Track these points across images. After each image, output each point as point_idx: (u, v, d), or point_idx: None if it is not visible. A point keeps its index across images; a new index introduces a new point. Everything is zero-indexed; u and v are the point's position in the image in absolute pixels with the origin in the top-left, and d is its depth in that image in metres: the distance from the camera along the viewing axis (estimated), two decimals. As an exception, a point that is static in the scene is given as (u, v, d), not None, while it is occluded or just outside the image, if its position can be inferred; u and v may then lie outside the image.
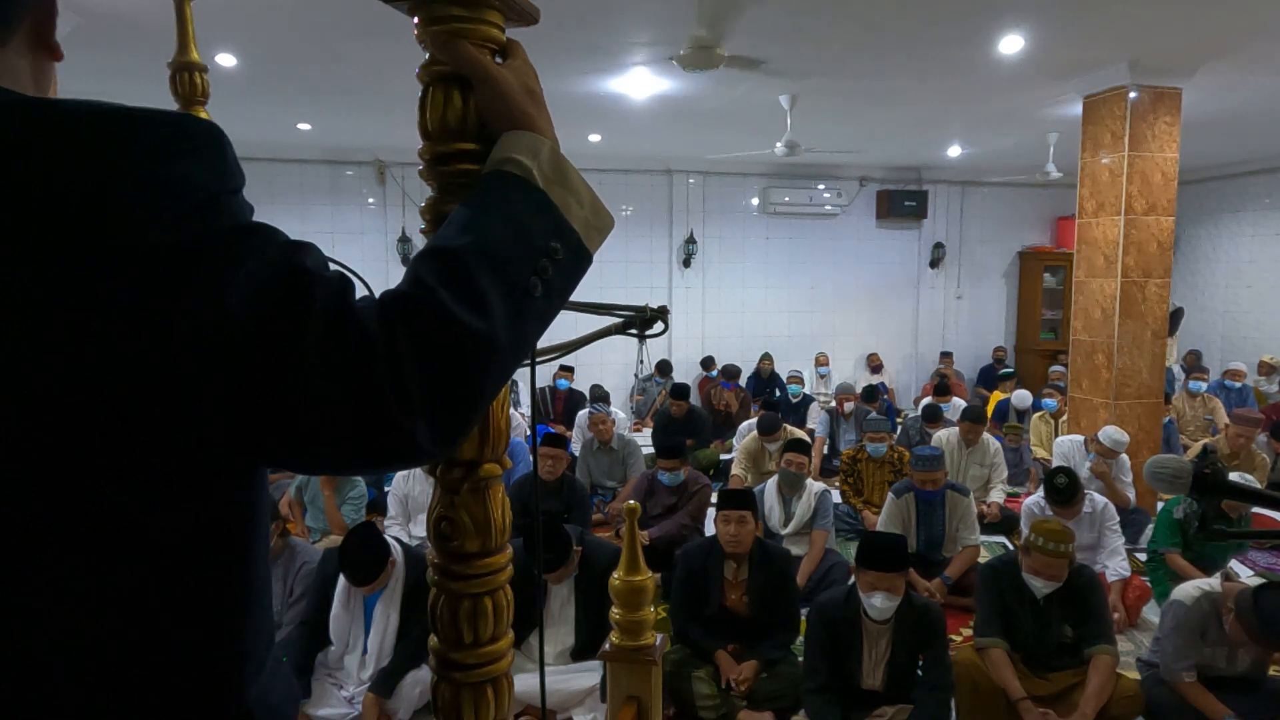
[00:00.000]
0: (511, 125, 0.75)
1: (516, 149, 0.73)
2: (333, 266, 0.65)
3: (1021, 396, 7.69)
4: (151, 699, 0.63)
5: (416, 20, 0.78)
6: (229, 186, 0.61)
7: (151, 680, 0.63)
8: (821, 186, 9.91)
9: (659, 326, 1.03)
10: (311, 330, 0.58)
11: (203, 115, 1.23)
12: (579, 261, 0.74)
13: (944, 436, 5.93)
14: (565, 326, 0.99)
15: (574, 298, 1.02)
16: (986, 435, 5.90)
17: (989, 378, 9.82)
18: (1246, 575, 4.41)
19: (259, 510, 0.70)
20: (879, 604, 3.02)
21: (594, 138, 7.78)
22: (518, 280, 0.67)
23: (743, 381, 8.81)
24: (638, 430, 8.20)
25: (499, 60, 0.79)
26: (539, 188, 0.72)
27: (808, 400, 8.16)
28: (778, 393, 8.57)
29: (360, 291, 0.67)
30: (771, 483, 4.97)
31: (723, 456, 7.00)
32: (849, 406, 7.27)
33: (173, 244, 0.56)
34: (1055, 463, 5.46)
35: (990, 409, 7.79)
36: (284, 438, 0.60)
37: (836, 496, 5.43)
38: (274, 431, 0.59)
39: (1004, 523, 5.44)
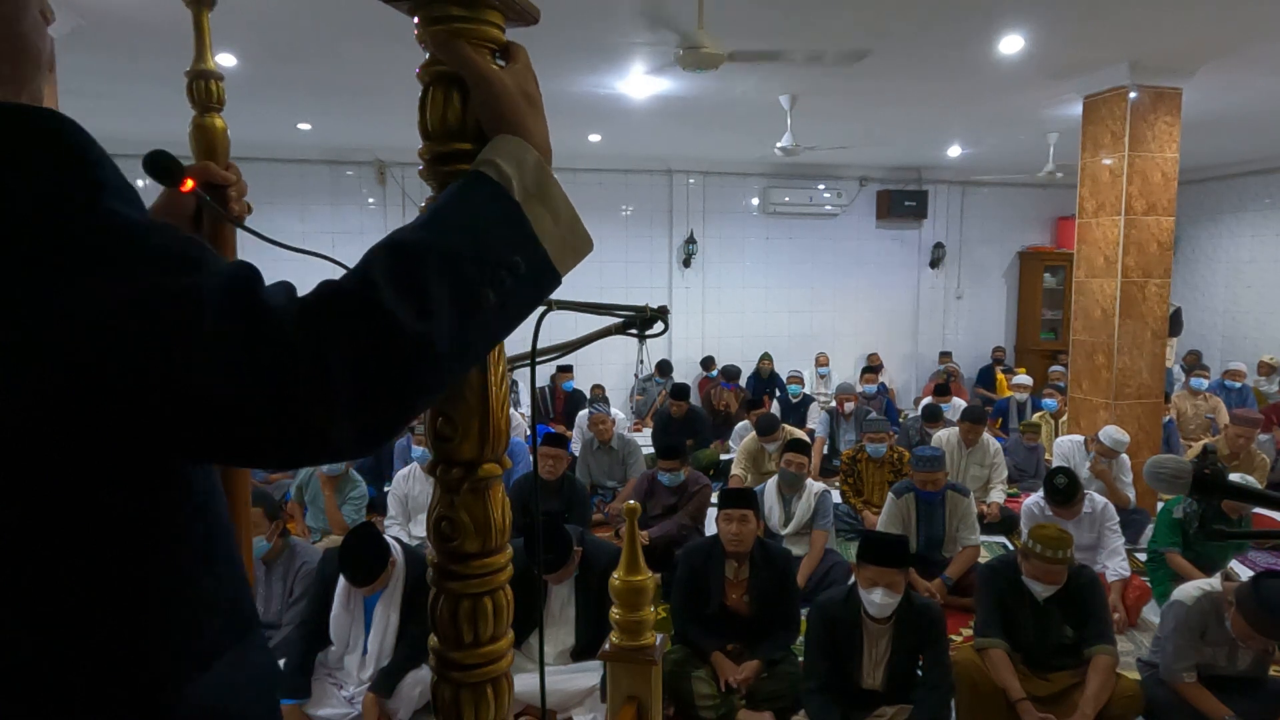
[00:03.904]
0: (503, 129, 0.74)
1: (501, 153, 0.72)
2: (237, 259, 0.63)
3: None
4: (64, 698, 0.62)
5: (416, 20, 0.78)
6: (96, 181, 0.60)
7: (65, 679, 0.62)
8: (821, 186, 9.91)
9: (659, 326, 1.03)
10: (204, 327, 0.56)
11: (218, 122, 1.24)
12: (542, 279, 0.72)
13: (944, 436, 5.93)
14: (565, 326, 0.99)
15: (574, 298, 1.02)
16: (986, 435, 5.90)
17: (989, 378, 9.83)
18: (1246, 575, 4.41)
19: (194, 504, 0.69)
20: (878, 600, 3.02)
21: (594, 138, 7.77)
22: (470, 288, 0.65)
23: (743, 381, 8.82)
24: (638, 430, 8.20)
25: (501, 63, 0.79)
26: (513, 197, 0.70)
27: (808, 400, 8.16)
28: (778, 392, 8.58)
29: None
30: (771, 483, 4.97)
31: (723, 456, 7.00)
32: (849, 406, 7.28)
33: (51, 246, 0.56)
34: (1055, 463, 5.46)
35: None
36: (185, 436, 0.58)
37: (836, 496, 5.43)
38: (172, 428, 0.58)
39: (1004, 523, 5.44)
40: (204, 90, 1.23)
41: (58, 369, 0.55)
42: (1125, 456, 5.24)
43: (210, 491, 0.73)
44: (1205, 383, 7.61)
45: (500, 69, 0.77)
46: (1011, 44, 4.73)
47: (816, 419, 7.52)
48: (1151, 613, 4.20)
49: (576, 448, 6.57)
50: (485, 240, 0.67)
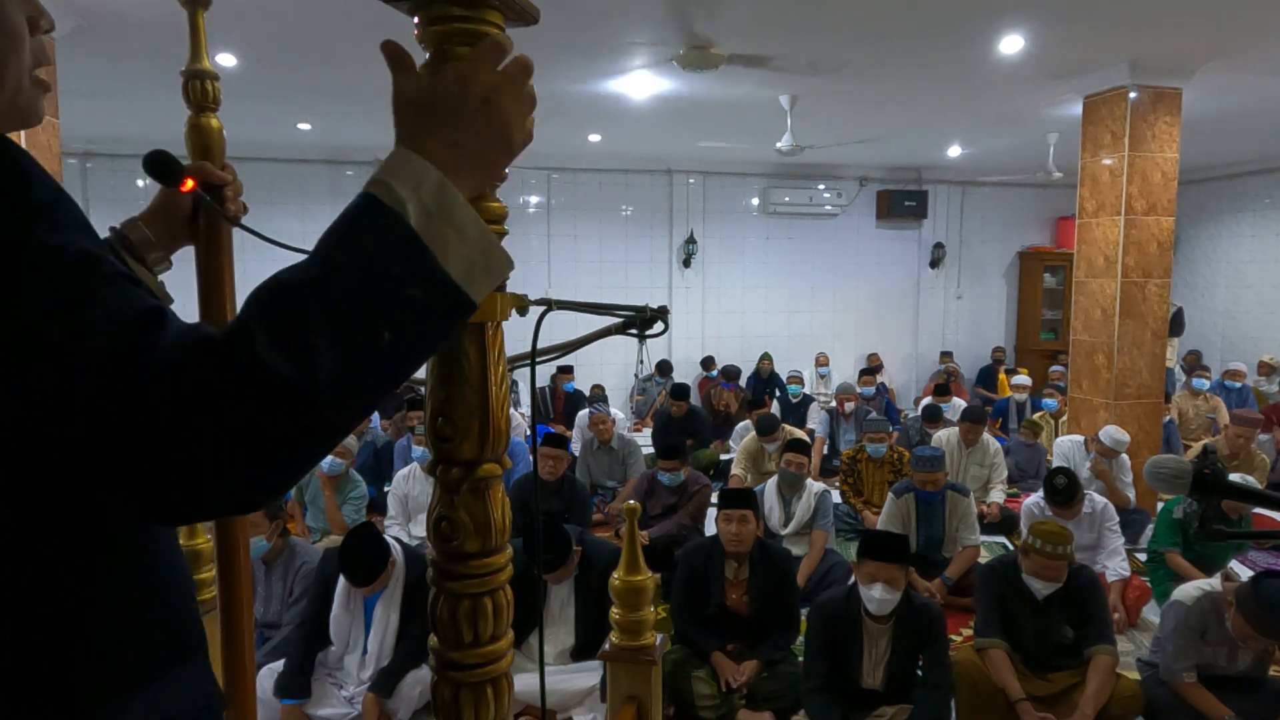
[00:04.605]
0: (400, 142, 0.69)
1: (394, 172, 0.65)
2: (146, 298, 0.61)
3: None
4: None
5: (416, 20, 0.78)
6: (26, 204, 0.58)
7: None
8: (821, 186, 9.91)
9: (659, 326, 1.03)
10: (78, 375, 0.55)
11: (214, 122, 1.25)
12: (450, 307, 0.66)
13: (944, 436, 5.93)
14: (565, 326, 0.99)
15: (574, 298, 1.02)
16: (986, 435, 5.90)
17: (989, 378, 9.83)
18: (1246, 575, 4.41)
19: (127, 524, 0.68)
20: (877, 595, 3.00)
21: (594, 138, 7.78)
22: (358, 327, 0.60)
23: (743, 381, 8.82)
24: (638, 430, 8.20)
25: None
26: (407, 223, 0.63)
27: (807, 400, 8.16)
28: (778, 392, 8.58)
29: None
30: (771, 483, 4.97)
31: (723, 456, 7.00)
32: (849, 406, 7.28)
33: None
34: (1055, 463, 5.46)
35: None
36: (64, 481, 0.57)
37: (836, 496, 5.43)
38: (52, 473, 0.57)
39: (1004, 523, 5.44)
40: (199, 90, 1.24)
41: None
42: (1125, 456, 5.24)
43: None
44: (1207, 383, 7.61)
45: (433, 72, 0.73)
46: (1011, 44, 4.73)
47: (816, 419, 7.52)
48: (1151, 613, 4.20)
49: (576, 448, 6.57)
50: (375, 273, 0.61)
